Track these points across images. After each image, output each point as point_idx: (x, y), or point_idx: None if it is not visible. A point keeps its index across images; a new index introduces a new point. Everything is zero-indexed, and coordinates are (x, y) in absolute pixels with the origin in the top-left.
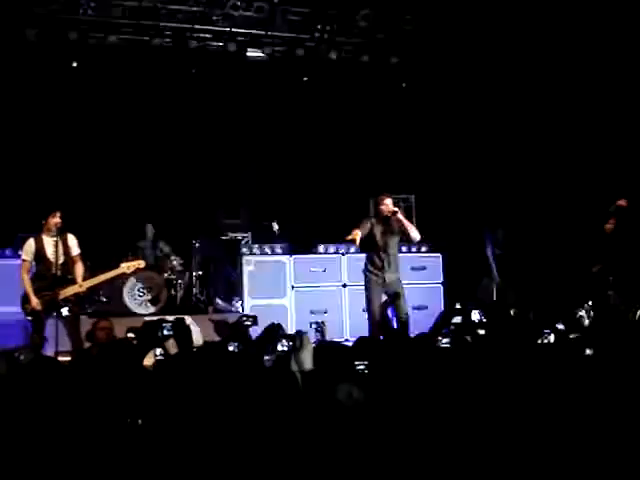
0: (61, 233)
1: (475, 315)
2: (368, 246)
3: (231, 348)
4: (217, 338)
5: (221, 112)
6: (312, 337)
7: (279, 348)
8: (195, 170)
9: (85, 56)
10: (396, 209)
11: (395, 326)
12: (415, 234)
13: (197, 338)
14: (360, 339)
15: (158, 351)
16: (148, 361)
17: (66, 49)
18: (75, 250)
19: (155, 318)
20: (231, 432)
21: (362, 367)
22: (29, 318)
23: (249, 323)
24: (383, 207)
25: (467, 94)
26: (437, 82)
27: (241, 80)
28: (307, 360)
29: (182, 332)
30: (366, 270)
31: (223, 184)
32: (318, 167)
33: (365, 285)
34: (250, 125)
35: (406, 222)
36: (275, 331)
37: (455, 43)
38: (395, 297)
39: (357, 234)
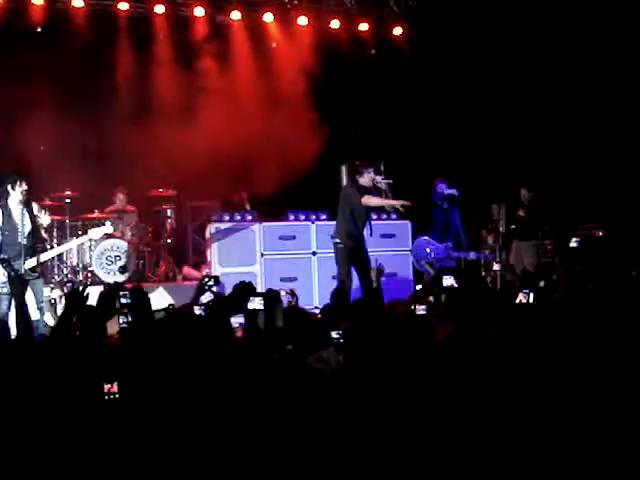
0: (27, 202)
1: (447, 280)
2: (348, 214)
3: (198, 312)
4: None
5: (188, 77)
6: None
7: (249, 307)
8: (169, 137)
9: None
10: (391, 180)
11: (363, 294)
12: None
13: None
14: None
15: (121, 319)
16: (112, 329)
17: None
18: (41, 218)
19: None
20: (202, 395)
21: (337, 336)
22: None
23: (212, 283)
24: (367, 176)
25: (438, 58)
26: (406, 48)
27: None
28: (278, 318)
29: (141, 300)
30: (341, 238)
31: (194, 151)
32: (288, 135)
33: (339, 253)
34: (223, 91)
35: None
36: (245, 290)
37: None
38: (363, 265)
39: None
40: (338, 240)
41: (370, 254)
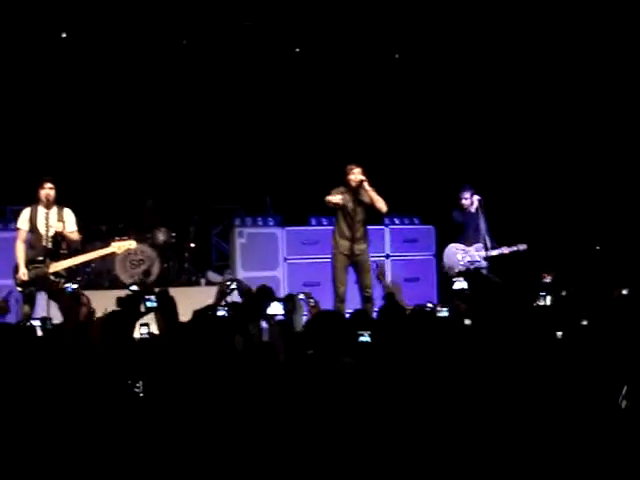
0: (58, 206)
1: (459, 284)
2: (337, 214)
3: (221, 313)
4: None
5: (212, 83)
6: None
7: (269, 312)
8: (188, 142)
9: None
10: (363, 178)
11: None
12: (382, 205)
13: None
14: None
15: (143, 325)
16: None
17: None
18: (70, 226)
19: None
20: (225, 398)
21: (366, 338)
22: (19, 289)
23: (234, 287)
24: (351, 177)
25: (459, 63)
26: (432, 52)
27: (231, 51)
28: (298, 322)
29: (167, 304)
30: (334, 239)
31: (216, 156)
32: (312, 139)
33: (332, 256)
34: (242, 97)
35: (373, 193)
36: (264, 294)
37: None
38: (360, 271)
39: (338, 198)
40: (332, 239)
41: (392, 259)
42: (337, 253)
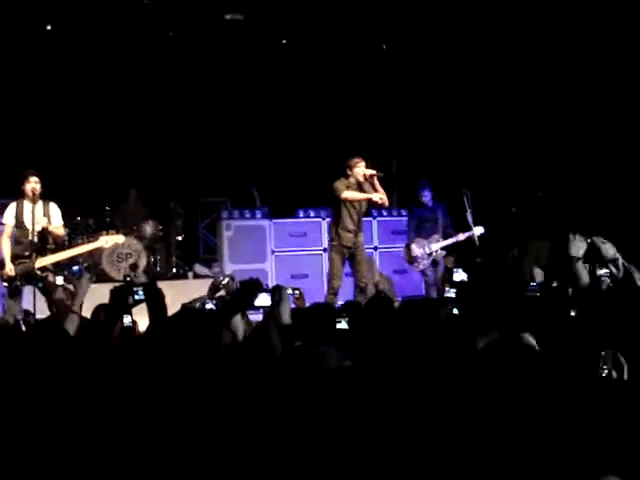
0: (44, 200)
1: (458, 275)
2: (341, 208)
3: (209, 306)
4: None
5: (199, 75)
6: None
7: (257, 303)
8: (174, 134)
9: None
10: (373, 172)
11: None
12: (385, 199)
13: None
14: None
15: (127, 319)
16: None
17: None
18: (55, 220)
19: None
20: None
21: (344, 325)
22: (5, 284)
23: (226, 282)
24: (358, 170)
25: (449, 55)
26: (418, 44)
27: (218, 43)
28: (285, 314)
29: (154, 297)
30: (335, 232)
31: (203, 148)
32: (298, 131)
33: (331, 247)
34: (228, 89)
35: (379, 187)
36: (253, 286)
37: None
38: (358, 261)
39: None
40: (332, 231)
41: (380, 251)
42: (338, 245)
